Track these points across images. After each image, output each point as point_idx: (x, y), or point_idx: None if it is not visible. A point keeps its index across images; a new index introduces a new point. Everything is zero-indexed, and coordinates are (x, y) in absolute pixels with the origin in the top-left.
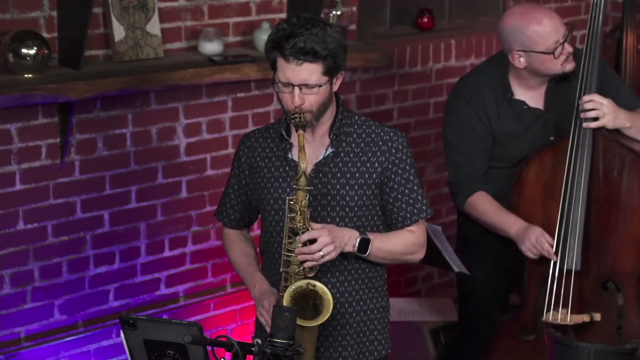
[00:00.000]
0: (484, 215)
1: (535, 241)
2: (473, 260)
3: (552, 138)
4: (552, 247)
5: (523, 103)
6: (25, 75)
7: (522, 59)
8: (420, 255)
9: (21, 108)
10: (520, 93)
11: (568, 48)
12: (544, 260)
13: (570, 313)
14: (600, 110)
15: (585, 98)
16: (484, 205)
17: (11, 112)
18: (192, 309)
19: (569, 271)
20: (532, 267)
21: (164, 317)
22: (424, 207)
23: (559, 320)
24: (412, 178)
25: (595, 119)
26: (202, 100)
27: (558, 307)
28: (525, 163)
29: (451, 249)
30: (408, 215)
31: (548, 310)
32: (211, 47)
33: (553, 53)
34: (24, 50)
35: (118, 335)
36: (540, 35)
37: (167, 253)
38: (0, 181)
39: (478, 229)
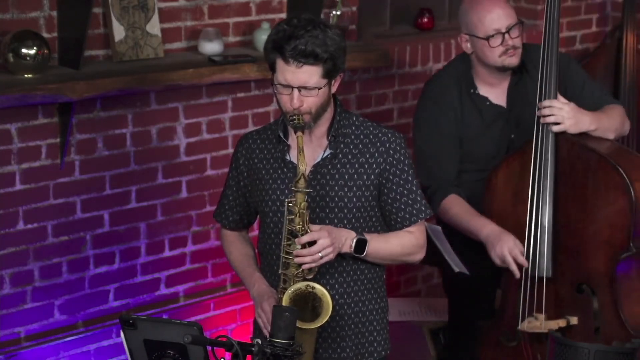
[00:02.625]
0: (456, 218)
1: (507, 252)
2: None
3: (512, 136)
4: (523, 255)
5: (485, 99)
6: (25, 75)
7: (468, 44)
8: (419, 256)
9: (21, 108)
10: (483, 89)
11: (510, 41)
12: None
13: (547, 319)
14: (560, 115)
15: (545, 103)
16: (456, 208)
17: (11, 112)
18: (192, 309)
19: (540, 278)
20: (510, 273)
21: (164, 317)
22: (423, 208)
23: (534, 328)
24: (410, 179)
25: (557, 123)
26: (202, 100)
27: (533, 314)
28: (493, 168)
29: (451, 249)
30: (407, 216)
31: (523, 318)
32: (211, 47)
33: (488, 40)
34: (24, 50)
35: (118, 335)
36: (480, 20)
37: (167, 253)
38: (0, 181)
39: (458, 236)
